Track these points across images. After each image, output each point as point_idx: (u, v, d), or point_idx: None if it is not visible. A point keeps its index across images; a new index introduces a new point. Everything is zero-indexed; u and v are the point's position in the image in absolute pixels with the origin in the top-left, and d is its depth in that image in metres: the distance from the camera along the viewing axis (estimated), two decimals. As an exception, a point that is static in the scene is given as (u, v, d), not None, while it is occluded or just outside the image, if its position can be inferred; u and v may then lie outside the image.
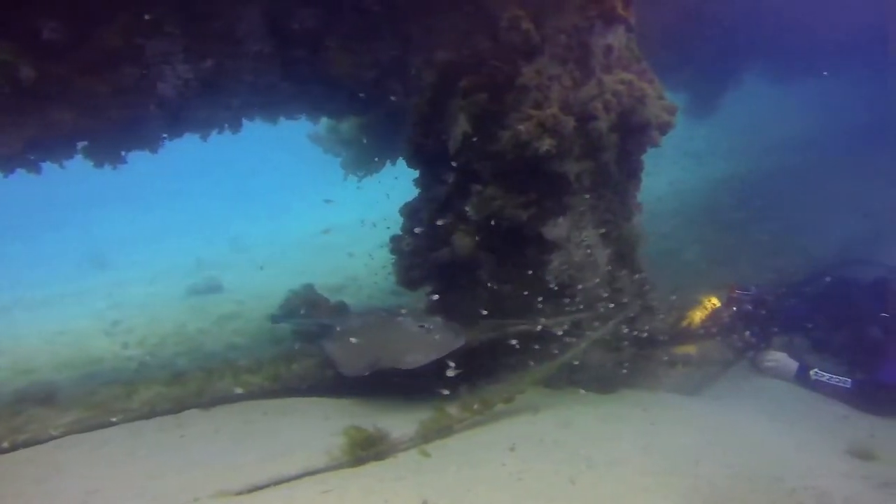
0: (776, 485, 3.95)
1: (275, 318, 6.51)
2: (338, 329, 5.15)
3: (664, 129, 5.21)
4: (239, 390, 4.58)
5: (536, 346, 4.96)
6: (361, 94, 6.42)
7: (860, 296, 6.84)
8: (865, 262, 7.64)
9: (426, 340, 4.73)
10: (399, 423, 4.11)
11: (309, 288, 6.49)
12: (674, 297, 6.83)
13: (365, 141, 8.56)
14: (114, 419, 4.12)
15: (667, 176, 15.84)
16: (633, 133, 5.07)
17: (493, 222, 5.01)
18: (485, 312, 5.03)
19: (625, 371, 5.38)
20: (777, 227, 12.09)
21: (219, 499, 3.07)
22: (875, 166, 13.01)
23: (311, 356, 5.01)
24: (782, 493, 3.84)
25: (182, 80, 5.57)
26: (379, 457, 3.73)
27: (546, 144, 4.64)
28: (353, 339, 4.85)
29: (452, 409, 4.29)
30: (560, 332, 4.95)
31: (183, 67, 5.55)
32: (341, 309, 6.56)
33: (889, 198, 11.72)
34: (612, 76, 4.96)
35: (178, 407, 4.33)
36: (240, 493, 3.13)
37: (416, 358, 4.59)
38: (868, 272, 7.08)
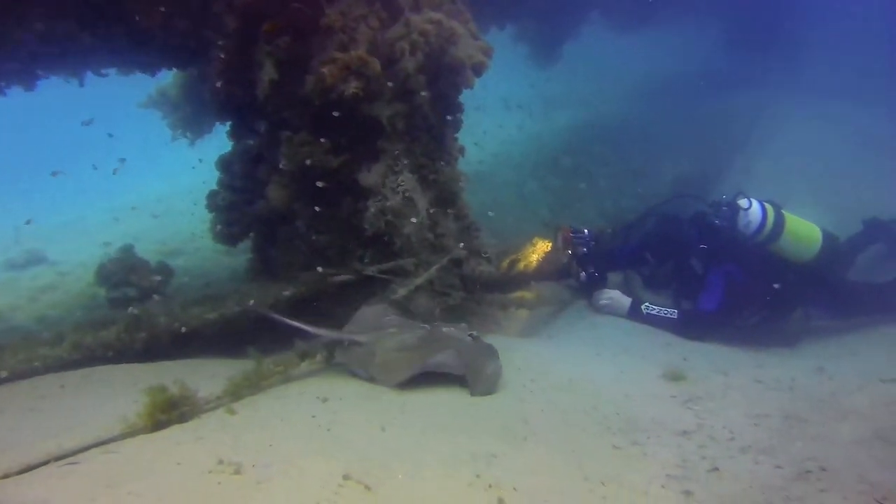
0: (590, 414, 4.09)
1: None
2: (376, 342, 4.47)
3: (479, 69, 5.17)
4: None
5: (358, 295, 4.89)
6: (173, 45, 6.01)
7: (681, 230, 7.17)
8: (687, 196, 8.03)
9: (485, 350, 4.51)
10: (210, 382, 3.93)
11: (128, 252, 6.08)
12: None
13: (186, 101, 8.14)
14: None
15: (514, 123, 16.10)
16: (446, 74, 5.00)
17: (306, 171, 4.85)
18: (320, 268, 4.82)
19: (453, 316, 5.40)
20: (618, 170, 12.61)
21: (-23, 485, 2.79)
22: (706, 112, 13.74)
23: (119, 322, 4.70)
24: (594, 421, 3.98)
25: (-53, 26, 5.00)
26: (182, 419, 3.54)
27: (352, 87, 4.50)
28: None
29: (266, 364, 4.15)
30: (382, 279, 4.90)
31: (-53, 12, 4.97)
32: (166, 272, 6.21)
33: (714, 141, 12.44)
34: (421, 16, 4.85)
35: (-48, 390, 3.94)
36: (6, 475, 2.86)
37: (493, 369, 4.36)
38: (689, 207, 7.43)
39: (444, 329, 4.60)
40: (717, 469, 3.26)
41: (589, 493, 2.93)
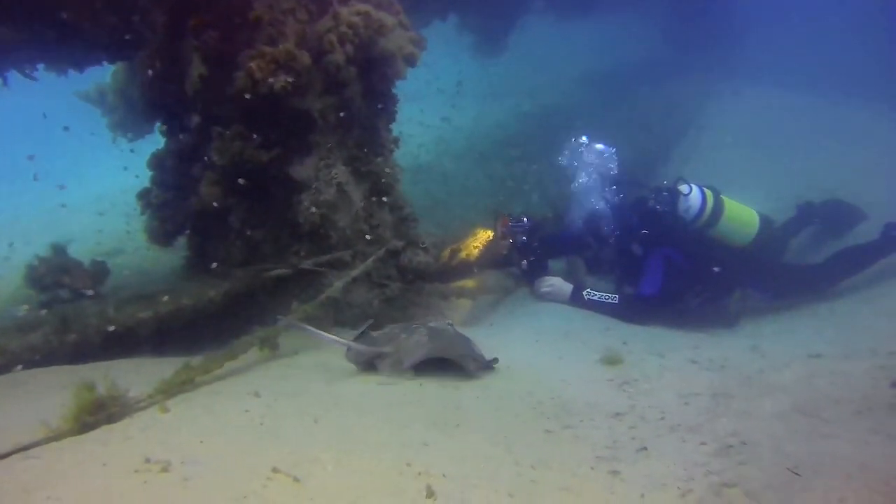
0: (526, 399, 4.12)
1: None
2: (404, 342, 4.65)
3: (410, 60, 5.17)
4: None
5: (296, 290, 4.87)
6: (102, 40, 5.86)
7: (623, 216, 7.25)
8: (630, 182, 8.12)
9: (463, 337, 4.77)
10: (144, 382, 3.86)
11: (59, 251, 5.91)
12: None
13: (123, 102, 7.94)
14: None
15: (469, 113, 16.12)
16: (377, 65, 4.99)
17: (238, 166, 4.79)
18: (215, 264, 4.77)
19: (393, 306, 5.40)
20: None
21: None
22: (649, 100, 13.92)
23: (46, 323, 4.58)
24: (529, 406, 4.01)
25: None
26: (112, 419, 3.47)
27: (281, 82, 4.46)
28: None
29: (200, 361, 4.10)
30: (318, 272, 4.87)
31: None
32: (101, 271, 6.05)
33: (657, 128, 12.63)
34: (349, 8, 4.82)
35: None
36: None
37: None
38: (632, 192, 7.52)
39: (432, 324, 4.77)
40: (645, 448, 3.32)
41: (518, 476, 2.97)
